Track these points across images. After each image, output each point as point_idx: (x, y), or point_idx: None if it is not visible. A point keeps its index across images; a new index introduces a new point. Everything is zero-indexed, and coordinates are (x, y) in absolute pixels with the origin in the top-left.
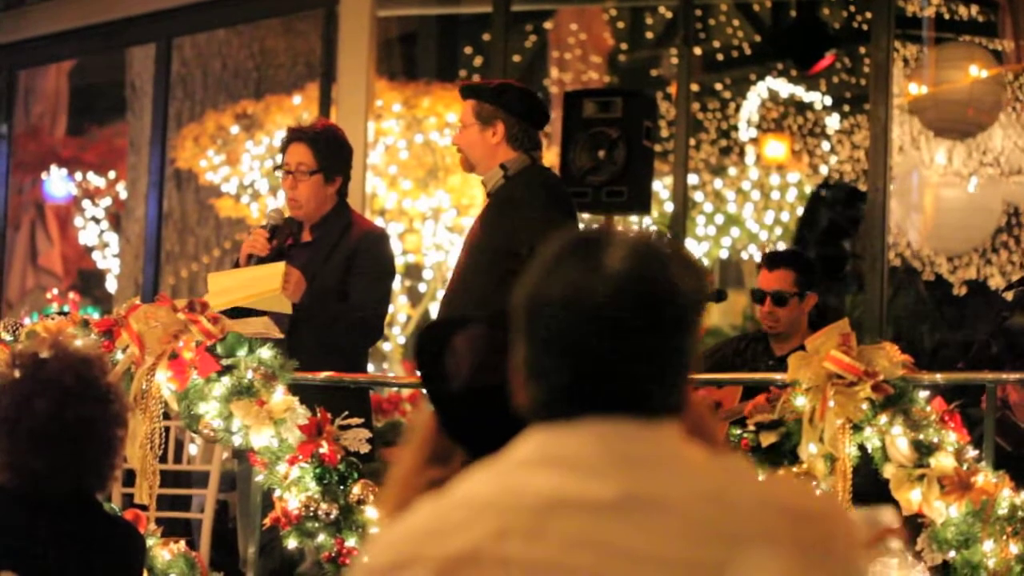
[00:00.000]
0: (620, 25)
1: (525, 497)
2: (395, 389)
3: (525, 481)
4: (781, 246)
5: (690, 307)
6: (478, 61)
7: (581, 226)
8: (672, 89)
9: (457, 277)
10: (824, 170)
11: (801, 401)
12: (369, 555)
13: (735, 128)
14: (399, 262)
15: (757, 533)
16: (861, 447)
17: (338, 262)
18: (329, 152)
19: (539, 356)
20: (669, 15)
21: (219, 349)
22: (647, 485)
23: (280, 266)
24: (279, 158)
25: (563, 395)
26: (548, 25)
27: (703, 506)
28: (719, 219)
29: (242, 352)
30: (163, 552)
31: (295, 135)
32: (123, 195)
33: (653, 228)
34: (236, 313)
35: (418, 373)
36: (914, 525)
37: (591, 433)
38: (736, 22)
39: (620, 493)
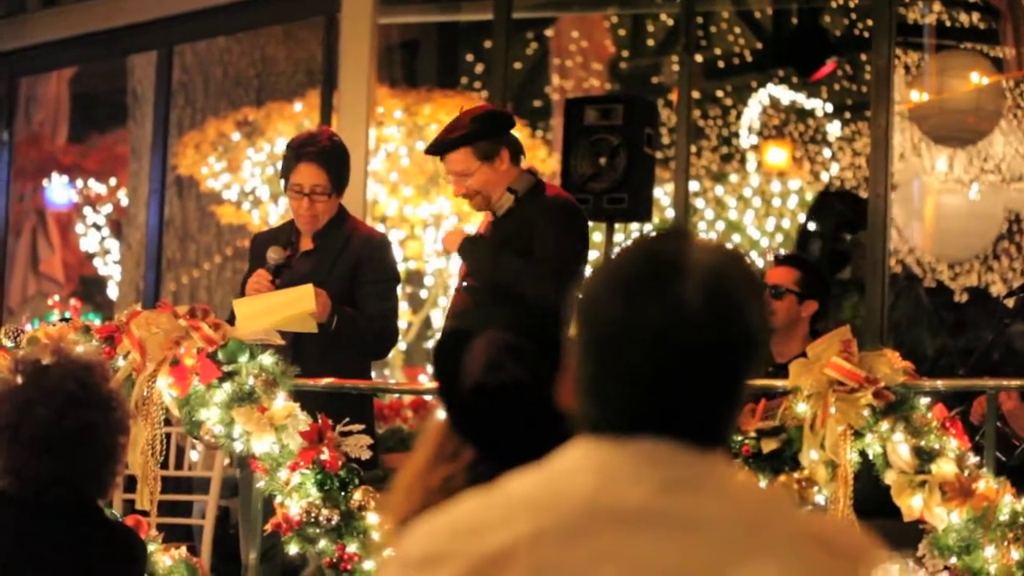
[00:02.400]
0: (621, 32)
1: (564, 500)
2: (396, 395)
3: (566, 484)
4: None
5: (759, 344)
6: (479, 68)
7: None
8: (673, 96)
9: (464, 292)
10: (825, 177)
11: (802, 408)
12: (405, 544)
13: (736, 135)
14: (400, 269)
15: (786, 555)
16: (862, 453)
17: (343, 269)
18: (339, 168)
19: (600, 378)
20: (670, 22)
21: (220, 355)
22: (684, 503)
23: (309, 288)
24: (281, 172)
25: (620, 417)
26: (549, 32)
27: (737, 527)
28: (720, 226)
29: (243, 358)
30: (164, 558)
31: (303, 154)
32: (124, 202)
33: (725, 245)
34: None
35: (432, 371)
36: (916, 531)
37: (641, 451)
38: (737, 29)
39: (655, 504)
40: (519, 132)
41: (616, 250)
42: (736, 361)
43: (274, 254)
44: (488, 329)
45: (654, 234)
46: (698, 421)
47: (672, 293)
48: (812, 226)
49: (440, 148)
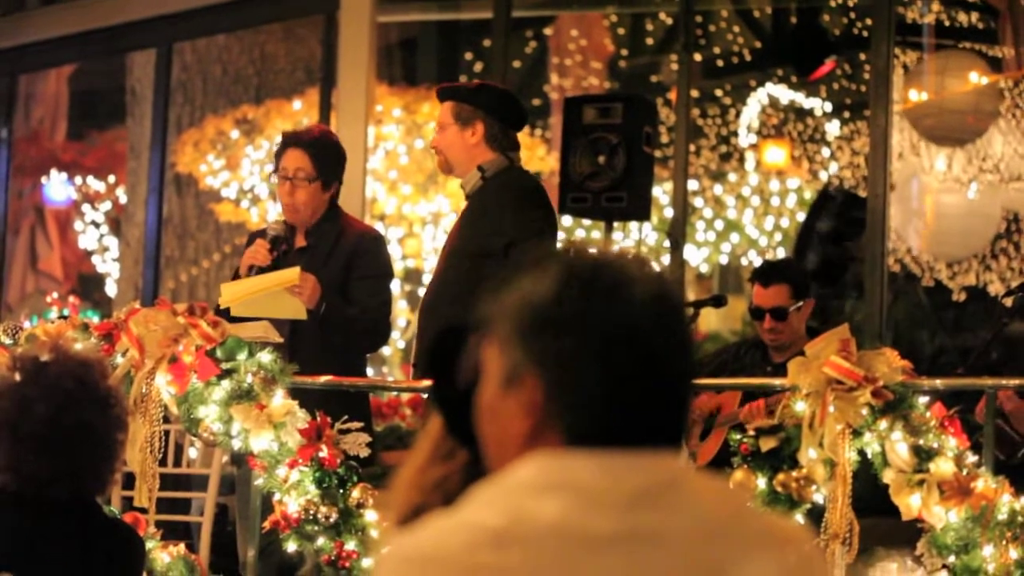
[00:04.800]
0: (620, 31)
1: (529, 527)
2: (394, 393)
3: (530, 508)
4: (781, 253)
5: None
6: (478, 67)
7: (560, 237)
8: (672, 95)
9: (435, 281)
10: (824, 176)
11: (801, 406)
12: (376, 569)
13: (735, 134)
14: (399, 267)
15: (760, 562)
16: (861, 452)
17: (336, 266)
18: (327, 159)
19: (583, 383)
20: (669, 21)
21: (219, 353)
22: (652, 521)
23: (295, 269)
24: (271, 167)
25: (587, 426)
26: (548, 31)
27: (707, 545)
28: (719, 225)
29: (242, 356)
30: (163, 555)
31: (292, 141)
32: (123, 199)
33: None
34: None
35: (428, 371)
36: (914, 530)
37: (602, 466)
38: (736, 28)
39: (624, 528)
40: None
41: (527, 271)
42: (688, 352)
43: (276, 225)
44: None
45: (563, 253)
46: (660, 422)
47: (632, 293)
48: (810, 225)
49: (440, 93)
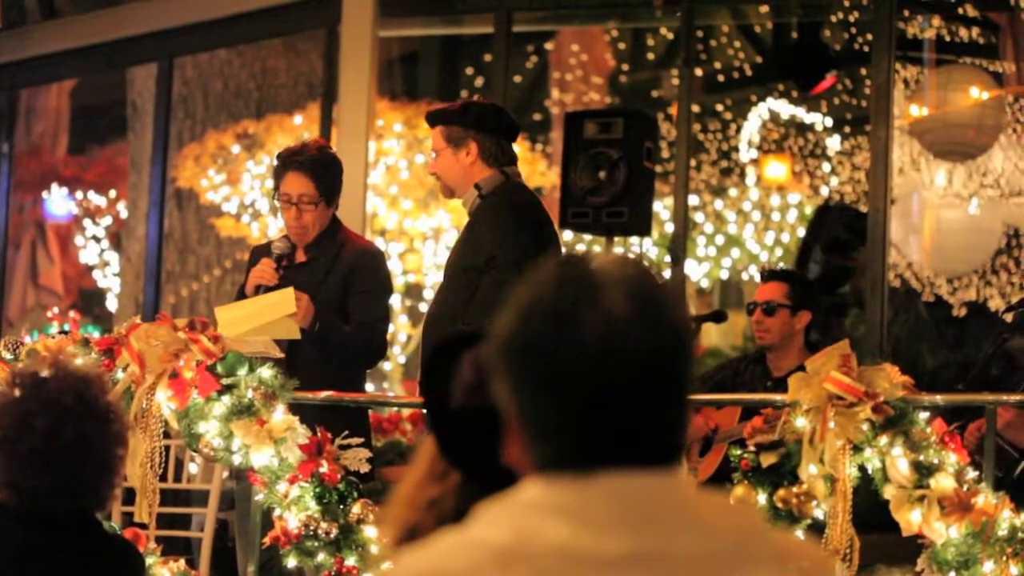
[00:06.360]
0: (621, 46)
1: (536, 546)
2: (395, 409)
3: (536, 528)
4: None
5: (690, 340)
6: (479, 81)
7: (551, 252)
8: (673, 110)
9: (435, 297)
10: (825, 191)
11: (801, 422)
12: None
13: (736, 149)
14: (399, 282)
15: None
16: (861, 468)
17: (335, 281)
18: (328, 178)
19: (548, 415)
20: (670, 36)
21: (219, 368)
22: (659, 543)
23: (289, 291)
24: (273, 184)
25: (577, 451)
26: (549, 46)
27: (715, 565)
28: (720, 240)
29: (242, 371)
30: (163, 571)
31: (291, 163)
32: (124, 214)
33: (631, 254)
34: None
35: (420, 388)
36: (914, 546)
37: (605, 488)
38: (737, 43)
39: (632, 550)
40: (519, 145)
41: (515, 291)
42: (678, 361)
43: (280, 243)
44: (478, 345)
45: (552, 264)
46: (655, 436)
47: (599, 309)
48: (811, 240)
49: (428, 119)
